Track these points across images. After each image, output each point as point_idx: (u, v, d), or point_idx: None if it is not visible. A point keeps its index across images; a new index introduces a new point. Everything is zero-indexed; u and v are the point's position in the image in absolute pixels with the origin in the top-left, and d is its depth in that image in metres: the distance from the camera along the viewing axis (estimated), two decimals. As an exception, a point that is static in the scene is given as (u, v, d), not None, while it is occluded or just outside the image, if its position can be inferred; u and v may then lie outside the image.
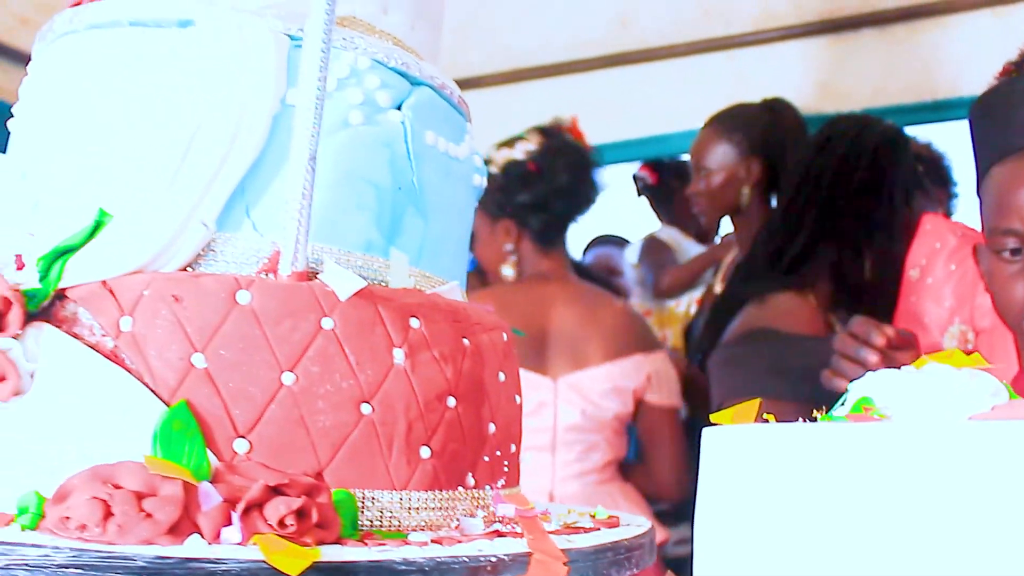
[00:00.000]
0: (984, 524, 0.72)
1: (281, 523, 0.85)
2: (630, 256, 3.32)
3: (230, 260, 1.00)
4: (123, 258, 0.95)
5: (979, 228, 1.64)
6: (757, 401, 0.91)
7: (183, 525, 0.84)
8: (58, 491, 0.85)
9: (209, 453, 0.90)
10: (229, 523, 0.85)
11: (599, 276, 3.08)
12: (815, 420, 0.92)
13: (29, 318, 0.94)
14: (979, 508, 0.72)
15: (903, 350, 1.67)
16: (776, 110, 2.63)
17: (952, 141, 2.98)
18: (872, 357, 1.61)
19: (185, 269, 0.98)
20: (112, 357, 0.93)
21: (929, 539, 0.73)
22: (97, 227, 0.96)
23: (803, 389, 1.83)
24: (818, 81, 2.93)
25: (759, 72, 2.95)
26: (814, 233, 2.26)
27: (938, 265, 2.10)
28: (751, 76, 2.95)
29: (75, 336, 0.94)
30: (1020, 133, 1.48)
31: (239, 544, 0.83)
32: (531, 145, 2.40)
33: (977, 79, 1.86)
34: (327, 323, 0.95)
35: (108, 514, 0.82)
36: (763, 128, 2.60)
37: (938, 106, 2.80)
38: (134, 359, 0.93)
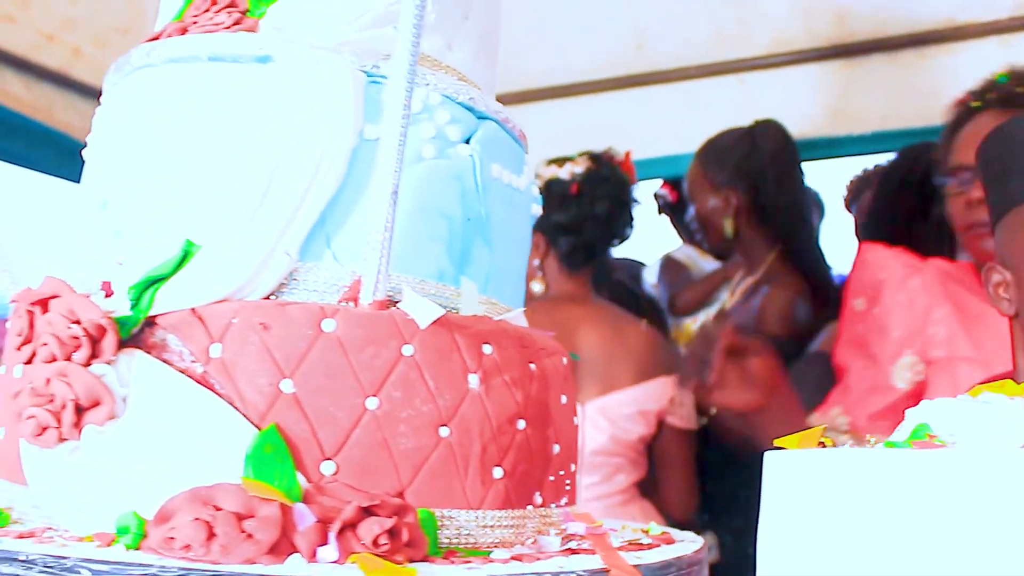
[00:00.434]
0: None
1: (375, 542, 0.88)
2: (649, 276, 3.37)
3: (311, 288, 1.04)
4: (211, 287, 0.99)
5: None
6: (822, 427, 0.95)
7: (282, 545, 0.87)
8: (160, 512, 0.89)
9: (299, 475, 0.94)
10: (325, 542, 0.88)
11: (623, 285, 3.10)
12: (870, 444, 0.96)
13: (121, 345, 0.98)
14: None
15: (745, 355, 1.77)
16: (756, 137, 2.69)
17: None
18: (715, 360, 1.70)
19: (268, 297, 1.02)
20: (202, 382, 0.97)
21: (992, 561, 0.77)
22: (185, 257, 1.00)
23: None
24: (828, 105, 2.99)
25: (770, 95, 3.00)
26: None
27: (885, 295, 2.09)
28: (762, 99, 3.00)
29: (165, 362, 0.98)
30: None
31: (335, 563, 0.87)
32: (578, 168, 2.42)
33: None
34: (407, 350, 0.99)
35: (211, 534, 0.86)
36: (739, 159, 2.66)
37: (947, 130, 2.85)
38: (224, 384, 0.96)
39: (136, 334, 0.99)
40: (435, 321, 1.01)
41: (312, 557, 0.88)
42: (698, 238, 3.00)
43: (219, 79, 1.09)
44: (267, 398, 0.96)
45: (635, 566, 0.97)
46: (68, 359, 0.95)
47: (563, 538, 1.06)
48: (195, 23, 1.11)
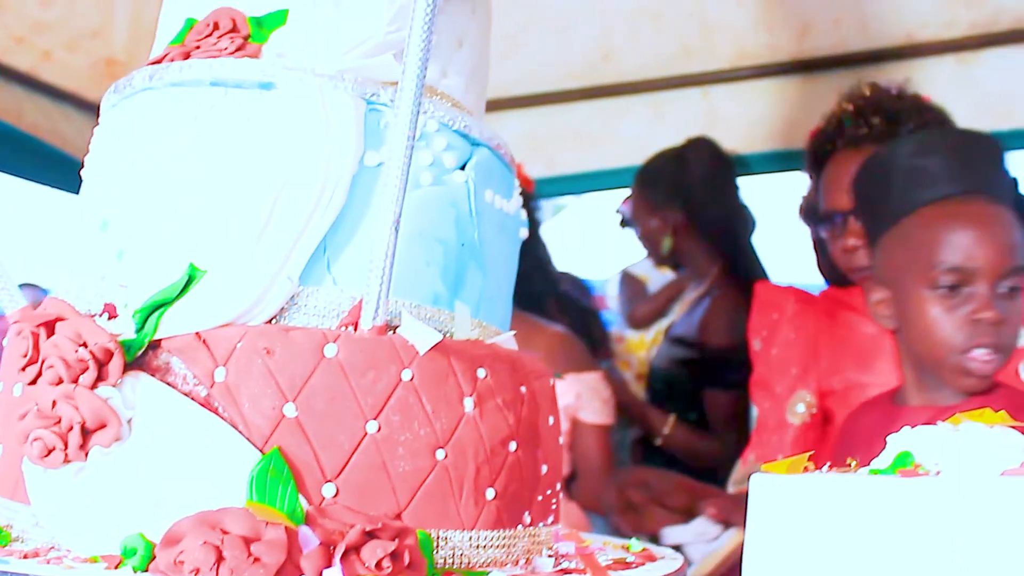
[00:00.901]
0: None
1: (378, 565, 0.91)
2: (610, 289, 3.42)
3: (312, 313, 1.06)
4: (215, 311, 1.01)
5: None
6: (809, 452, 0.99)
7: (287, 568, 0.90)
8: (167, 535, 0.91)
9: (301, 498, 0.96)
10: (329, 565, 0.91)
11: (573, 296, 3.15)
12: (850, 470, 1.00)
13: (126, 367, 0.99)
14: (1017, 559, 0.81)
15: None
16: (687, 156, 2.79)
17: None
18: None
19: (270, 321, 1.04)
20: (206, 405, 0.99)
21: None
22: (190, 281, 1.02)
23: None
24: (790, 117, 3.04)
25: (733, 107, 3.06)
26: None
27: (779, 335, 2.14)
28: (725, 111, 3.06)
29: (170, 385, 0.99)
30: (929, 186, 1.54)
31: (341, 585, 0.89)
32: None
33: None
34: (406, 374, 1.02)
35: (220, 558, 0.88)
36: (669, 181, 2.77)
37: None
38: (227, 408, 0.98)
39: (141, 357, 1.01)
40: (433, 346, 1.03)
41: (317, 579, 0.90)
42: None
43: (221, 104, 1.10)
44: (270, 422, 0.98)
45: (625, 586, 1.00)
46: (75, 381, 0.96)
47: (556, 559, 1.10)
48: (198, 47, 1.13)
